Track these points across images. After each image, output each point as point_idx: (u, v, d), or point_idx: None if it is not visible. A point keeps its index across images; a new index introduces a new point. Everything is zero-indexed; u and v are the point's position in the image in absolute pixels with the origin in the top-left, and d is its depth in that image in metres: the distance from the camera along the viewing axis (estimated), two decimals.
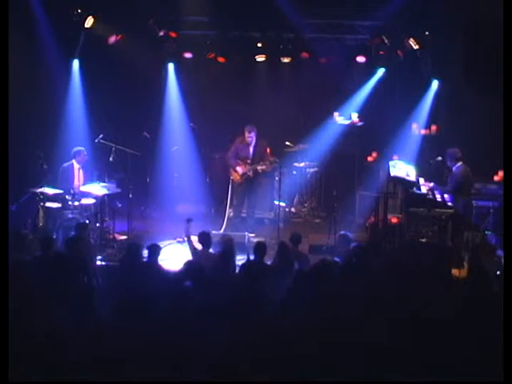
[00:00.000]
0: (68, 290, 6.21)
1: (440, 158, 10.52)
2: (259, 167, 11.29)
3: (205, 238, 8.08)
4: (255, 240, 9.87)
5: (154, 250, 7.47)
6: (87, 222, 9.78)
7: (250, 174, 11.33)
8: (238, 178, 11.37)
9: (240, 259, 8.04)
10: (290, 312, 5.94)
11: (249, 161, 11.32)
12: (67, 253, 7.48)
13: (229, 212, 11.57)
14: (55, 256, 7.27)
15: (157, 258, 7.46)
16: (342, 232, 8.82)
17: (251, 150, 11.39)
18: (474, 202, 10.60)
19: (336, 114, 13.22)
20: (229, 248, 7.72)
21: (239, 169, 11.31)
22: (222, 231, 10.99)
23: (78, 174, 10.63)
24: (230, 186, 11.56)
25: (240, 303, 6.06)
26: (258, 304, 6.07)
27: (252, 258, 7.71)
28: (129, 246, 7.84)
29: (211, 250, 8.12)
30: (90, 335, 5.31)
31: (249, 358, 5.13)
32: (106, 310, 5.87)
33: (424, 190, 10.31)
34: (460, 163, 10.23)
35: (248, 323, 5.61)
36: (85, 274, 6.98)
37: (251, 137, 11.29)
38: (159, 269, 7.39)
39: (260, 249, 7.61)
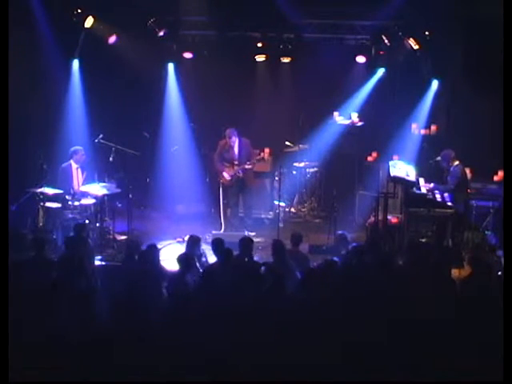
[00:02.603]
0: (65, 291, 6.21)
1: (440, 158, 10.52)
2: (247, 166, 11.32)
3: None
4: (256, 239, 9.88)
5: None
6: (87, 221, 9.78)
7: (240, 174, 11.35)
8: (227, 181, 11.40)
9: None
10: (293, 311, 5.94)
11: (236, 162, 11.35)
12: (66, 253, 7.47)
13: (224, 213, 11.54)
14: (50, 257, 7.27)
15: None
16: (340, 232, 8.82)
17: (236, 151, 11.42)
18: (473, 202, 10.62)
19: (336, 113, 13.21)
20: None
21: (226, 174, 11.33)
22: (222, 231, 10.99)
23: (77, 174, 10.62)
24: (220, 188, 11.53)
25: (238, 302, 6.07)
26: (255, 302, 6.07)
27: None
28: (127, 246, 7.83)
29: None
30: (90, 336, 5.31)
31: (249, 358, 5.13)
32: (105, 310, 5.87)
33: (424, 190, 10.32)
34: (457, 162, 10.27)
35: (248, 322, 5.61)
36: (82, 275, 6.94)
37: (233, 141, 11.33)
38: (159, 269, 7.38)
39: (244, 244, 7.59)
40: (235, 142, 11.35)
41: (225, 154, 11.44)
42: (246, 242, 7.69)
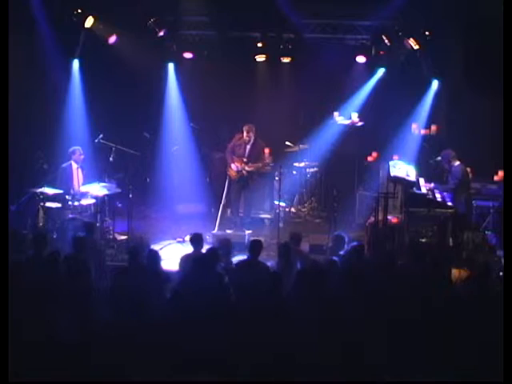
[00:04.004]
0: (68, 291, 6.20)
1: (440, 158, 10.51)
2: (247, 168, 11.31)
3: (197, 239, 8.02)
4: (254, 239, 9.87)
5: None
6: (95, 222, 9.76)
7: (244, 172, 11.35)
8: (234, 174, 11.42)
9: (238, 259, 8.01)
10: (290, 312, 5.94)
11: (245, 159, 11.35)
12: (75, 253, 7.44)
13: (223, 211, 11.50)
14: (52, 256, 7.24)
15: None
16: (336, 233, 8.83)
17: (248, 148, 11.42)
18: (473, 202, 10.61)
19: (336, 113, 13.21)
20: (224, 247, 7.74)
21: (234, 166, 11.35)
22: (216, 230, 10.93)
23: (77, 174, 10.63)
24: (227, 183, 11.54)
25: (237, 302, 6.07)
26: (257, 303, 6.07)
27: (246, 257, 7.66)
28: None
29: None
30: (90, 336, 5.31)
31: (249, 359, 5.13)
32: (108, 310, 5.87)
33: (424, 190, 10.31)
34: (457, 162, 10.23)
35: (248, 323, 5.61)
36: (88, 275, 6.93)
37: (249, 136, 11.32)
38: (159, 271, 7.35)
39: (254, 247, 7.57)
40: (251, 139, 11.34)
41: (236, 148, 11.45)
42: (257, 245, 7.66)
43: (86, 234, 8.45)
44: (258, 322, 5.61)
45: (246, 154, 11.40)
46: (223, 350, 5.21)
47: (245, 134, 11.33)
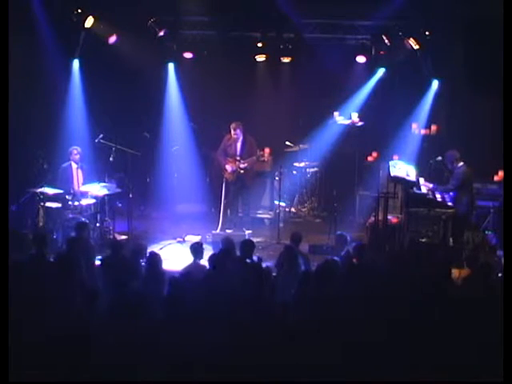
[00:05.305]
0: (66, 291, 6.20)
1: (440, 158, 10.49)
2: (241, 165, 11.22)
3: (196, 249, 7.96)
4: (257, 239, 9.86)
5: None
6: (87, 221, 9.78)
7: (240, 171, 11.28)
8: (230, 176, 11.34)
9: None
10: (293, 312, 5.94)
11: (238, 157, 11.28)
12: (67, 253, 7.45)
13: (224, 211, 11.49)
14: (54, 256, 7.25)
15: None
16: (339, 232, 8.84)
17: (239, 146, 11.32)
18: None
19: (336, 113, 13.22)
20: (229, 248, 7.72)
21: (228, 167, 11.28)
22: (218, 231, 10.92)
23: (77, 174, 10.64)
24: (223, 185, 11.48)
25: (239, 303, 6.07)
26: (258, 304, 6.07)
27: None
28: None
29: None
30: (90, 336, 5.31)
31: (249, 359, 5.13)
32: (104, 310, 5.86)
33: (424, 190, 10.30)
34: (461, 163, 10.14)
35: (248, 324, 5.61)
36: (80, 274, 6.92)
37: (237, 134, 11.22)
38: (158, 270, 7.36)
39: (245, 246, 7.54)
40: (239, 137, 11.25)
41: (227, 148, 11.35)
42: (248, 245, 7.64)
43: (78, 233, 8.44)
44: (250, 321, 5.61)
45: (238, 152, 11.29)
46: (215, 349, 5.20)
47: (232, 131, 11.26)
